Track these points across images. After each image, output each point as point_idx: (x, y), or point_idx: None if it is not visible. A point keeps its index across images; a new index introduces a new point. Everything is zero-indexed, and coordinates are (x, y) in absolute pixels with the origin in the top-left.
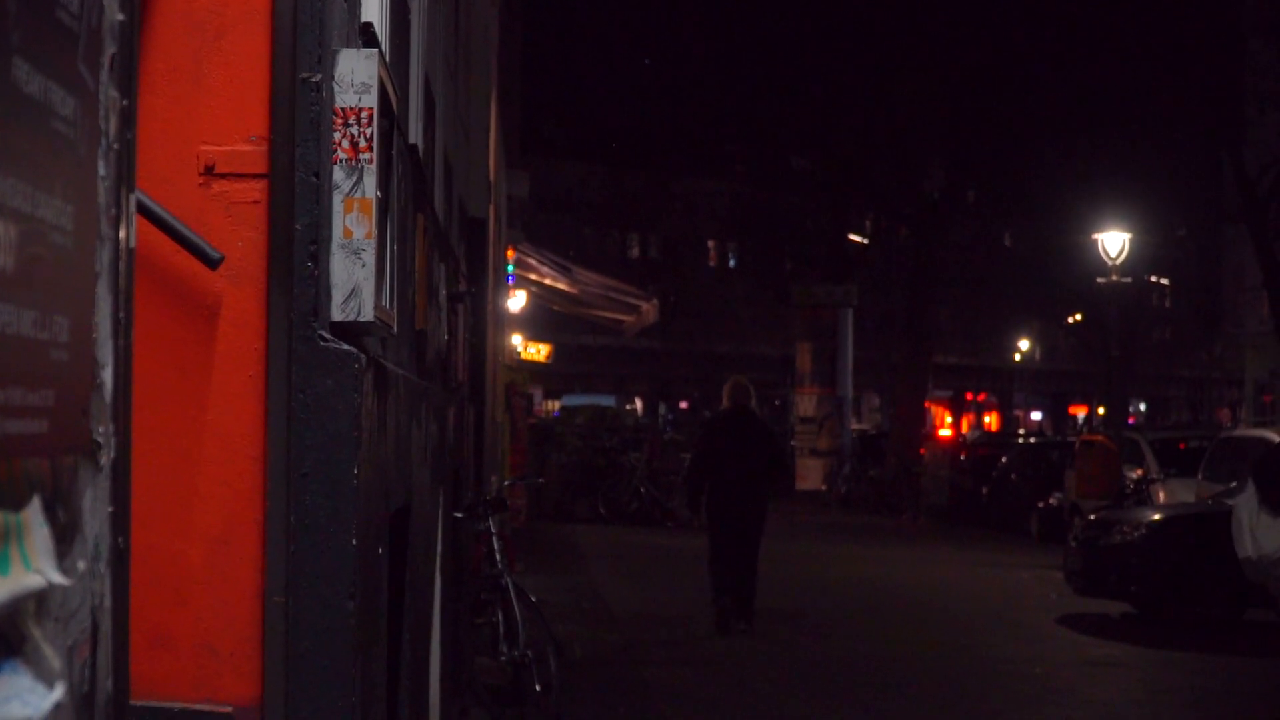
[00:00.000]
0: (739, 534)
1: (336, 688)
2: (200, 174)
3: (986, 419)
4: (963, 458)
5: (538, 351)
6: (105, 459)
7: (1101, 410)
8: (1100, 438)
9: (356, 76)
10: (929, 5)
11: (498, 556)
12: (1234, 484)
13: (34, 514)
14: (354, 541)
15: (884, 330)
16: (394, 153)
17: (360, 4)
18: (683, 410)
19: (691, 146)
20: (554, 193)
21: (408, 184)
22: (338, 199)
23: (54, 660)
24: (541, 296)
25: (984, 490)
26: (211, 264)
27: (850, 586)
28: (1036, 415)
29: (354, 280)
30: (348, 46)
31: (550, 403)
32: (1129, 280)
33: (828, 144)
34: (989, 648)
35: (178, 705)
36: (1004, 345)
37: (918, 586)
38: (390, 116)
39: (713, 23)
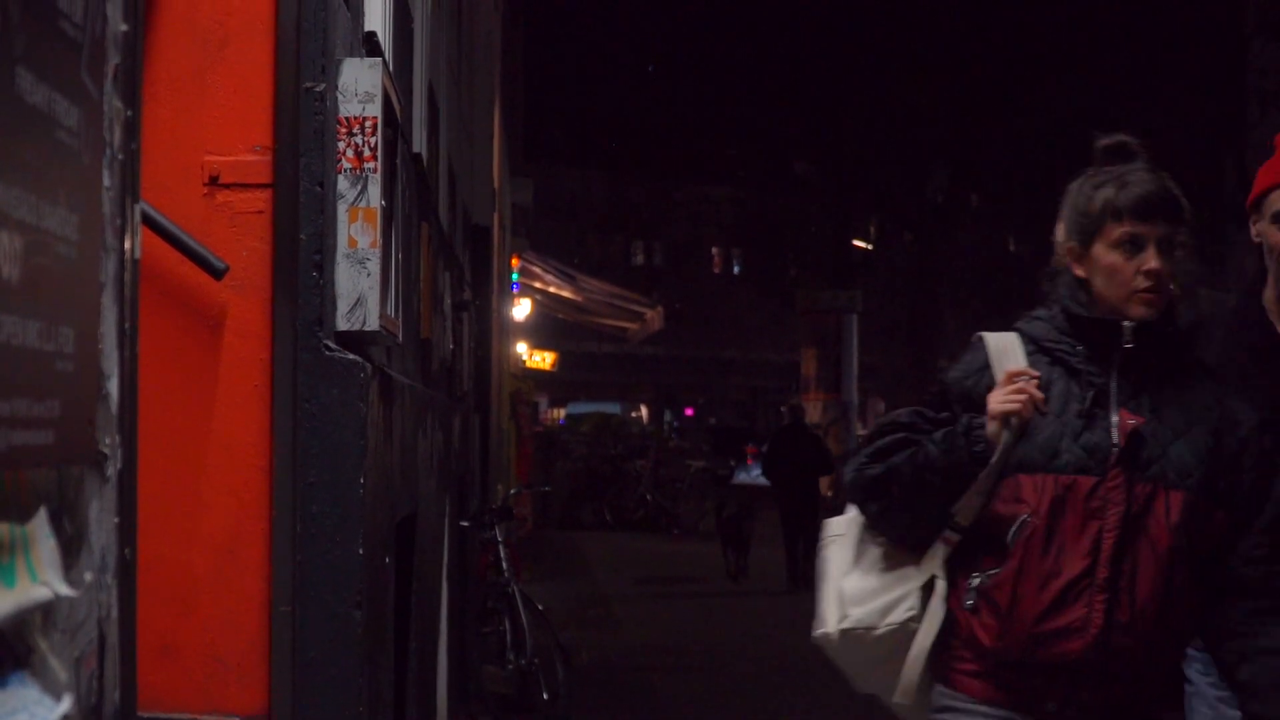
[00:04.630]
0: (798, 509)
1: (343, 697)
2: (205, 184)
3: None
4: None
5: (543, 359)
6: (111, 470)
7: None
8: None
9: (360, 86)
10: (931, 10)
11: (504, 565)
12: None
13: (40, 525)
14: (360, 551)
15: (888, 335)
16: (398, 162)
17: (364, 13)
18: (688, 417)
19: (695, 153)
20: (558, 200)
21: (412, 193)
22: (342, 208)
23: (61, 672)
24: (546, 304)
25: None
26: (216, 274)
27: None
28: None
29: (359, 289)
30: (351, 56)
31: (556, 410)
32: None
33: (830, 149)
34: None
35: (185, 716)
36: None
37: None
38: (394, 125)
39: (715, 29)
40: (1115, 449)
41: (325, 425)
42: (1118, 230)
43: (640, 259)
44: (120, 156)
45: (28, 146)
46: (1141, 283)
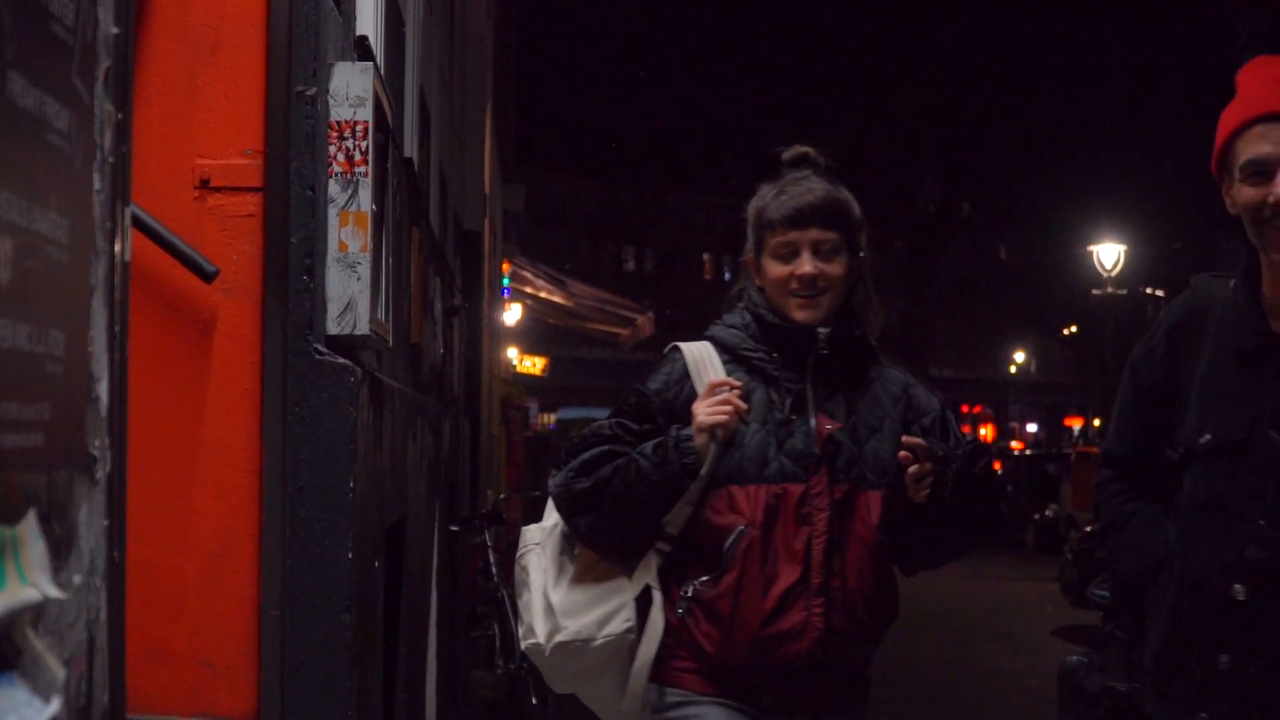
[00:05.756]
0: None
1: (333, 701)
2: (195, 188)
3: (982, 431)
4: None
5: (533, 365)
6: (101, 473)
7: (1097, 422)
8: (1096, 450)
9: (351, 90)
10: (923, 21)
11: (494, 570)
12: None
13: (30, 528)
14: (350, 555)
15: (880, 343)
16: (389, 166)
17: (355, 18)
18: None
19: (686, 160)
20: (549, 206)
21: (403, 197)
22: (333, 212)
23: (50, 674)
24: (537, 310)
25: None
26: (207, 277)
27: None
28: (1032, 427)
29: (349, 293)
30: (343, 60)
31: (546, 416)
32: (1124, 292)
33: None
34: (984, 659)
35: (174, 719)
36: (999, 357)
37: (912, 598)
38: (385, 130)
39: (708, 38)
40: (815, 455)
41: (315, 429)
42: (774, 239)
43: (631, 265)
44: (111, 160)
45: (18, 150)
46: (794, 286)
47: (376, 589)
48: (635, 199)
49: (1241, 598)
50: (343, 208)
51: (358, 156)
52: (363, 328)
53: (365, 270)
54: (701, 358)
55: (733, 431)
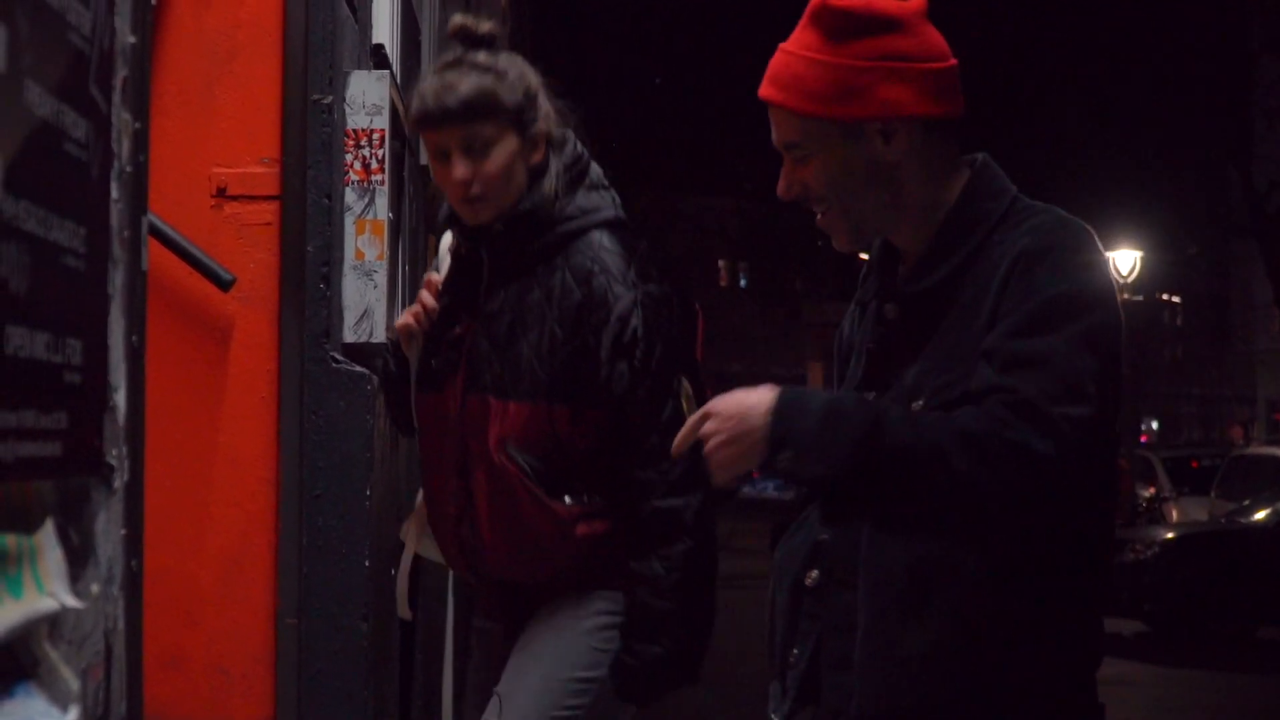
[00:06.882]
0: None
1: (349, 709)
2: (212, 196)
3: None
4: None
5: None
6: (118, 482)
7: None
8: (1125, 463)
9: (368, 98)
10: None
11: None
12: (1247, 502)
13: (47, 537)
14: (367, 563)
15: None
16: (405, 174)
17: (371, 26)
18: None
19: (700, 164)
20: None
21: (419, 205)
22: (349, 220)
23: (68, 683)
24: None
25: None
26: (224, 286)
27: None
28: None
29: (366, 302)
30: (359, 68)
31: None
32: (1140, 298)
33: None
34: None
35: None
36: None
37: None
38: (402, 138)
39: (721, 41)
40: (446, 361)
41: (332, 437)
42: (426, 141)
43: None
44: (128, 169)
45: (36, 159)
46: (458, 191)
47: (393, 597)
48: (648, 204)
49: (811, 583)
50: (359, 216)
51: (374, 164)
52: (379, 335)
53: (382, 278)
54: (445, 251)
55: (419, 335)
